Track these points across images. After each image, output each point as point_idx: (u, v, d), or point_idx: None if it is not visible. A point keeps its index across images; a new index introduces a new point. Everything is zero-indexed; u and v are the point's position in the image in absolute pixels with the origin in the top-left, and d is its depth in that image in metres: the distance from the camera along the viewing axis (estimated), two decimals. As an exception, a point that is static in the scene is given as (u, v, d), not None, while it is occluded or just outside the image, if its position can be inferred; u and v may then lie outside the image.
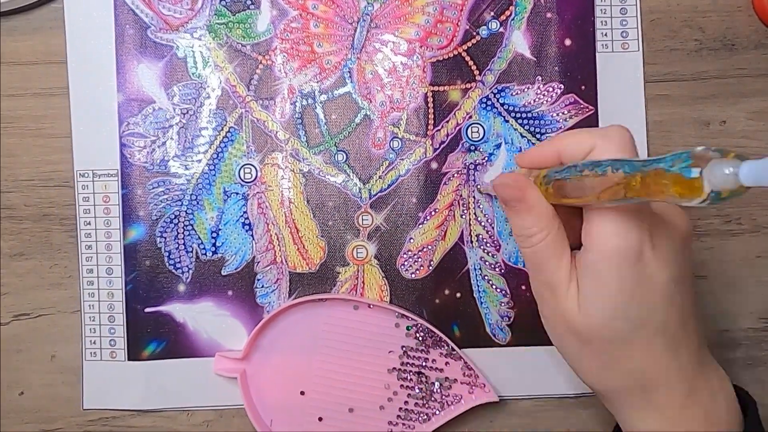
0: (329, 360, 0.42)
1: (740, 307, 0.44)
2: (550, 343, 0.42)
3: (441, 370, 0.42)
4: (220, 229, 0.42)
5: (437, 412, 0.42)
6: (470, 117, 0.43)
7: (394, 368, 0.42)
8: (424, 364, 0.42)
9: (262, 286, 0.42)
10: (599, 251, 0.29)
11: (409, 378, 0.42)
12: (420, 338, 0.42)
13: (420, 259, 0.43)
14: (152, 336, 0.42)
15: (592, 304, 0.30)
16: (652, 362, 0.31)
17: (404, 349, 0.42)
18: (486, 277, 0.43)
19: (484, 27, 0.43)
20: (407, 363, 0.42)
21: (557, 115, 0.43)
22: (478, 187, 0.42)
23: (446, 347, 0.42)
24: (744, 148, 0.44)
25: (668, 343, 0.31)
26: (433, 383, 0.42)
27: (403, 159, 0.43)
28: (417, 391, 0.42)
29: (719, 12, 0.44)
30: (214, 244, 0.42)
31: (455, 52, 0.43)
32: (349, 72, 0.43)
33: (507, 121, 0.43)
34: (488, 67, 0.43)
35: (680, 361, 0.31)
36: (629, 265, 0.29)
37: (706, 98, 0.44)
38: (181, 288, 0.42)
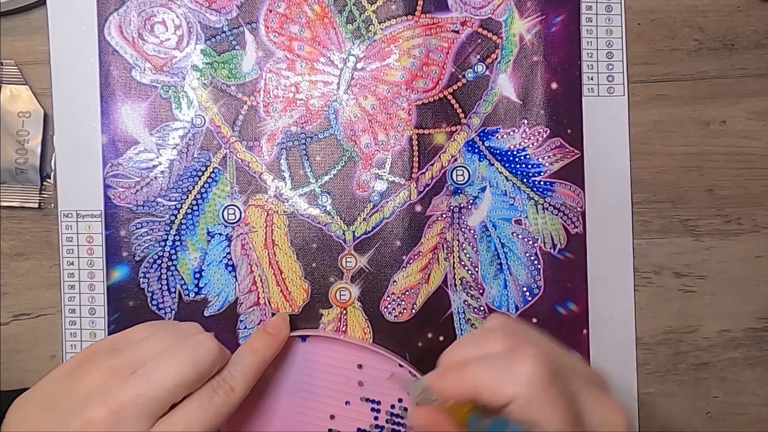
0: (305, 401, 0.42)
1: (740, 307, 0.44)
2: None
3: None
4: (203, 270, 0.42)
5: None
6: (455, 160, 0.43)
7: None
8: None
9: (245, 328, 0.42)
10: None
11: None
12: None
13: (403, 302, 0.42)
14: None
15: None
16: None
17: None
18: (470, 321, 0.43)
19: (470, 70, 0.42)
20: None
21: (543, 158, 0.42)
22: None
23: None
24: (744, 147, 0.44)
25: None
26: None
27: (387, 201, 0.42)
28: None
29: (719, 12, 0.44)
30: (197, 285, 0.42)
31: (441, 95, 0.42)
32: (334, 114, 0.42)
33: (492, 165, 0.43)
34: (474, 110, 0.43)
35: None
36: None
37: (706, 98, 0.44)
38: (164, 329, 0.42)
